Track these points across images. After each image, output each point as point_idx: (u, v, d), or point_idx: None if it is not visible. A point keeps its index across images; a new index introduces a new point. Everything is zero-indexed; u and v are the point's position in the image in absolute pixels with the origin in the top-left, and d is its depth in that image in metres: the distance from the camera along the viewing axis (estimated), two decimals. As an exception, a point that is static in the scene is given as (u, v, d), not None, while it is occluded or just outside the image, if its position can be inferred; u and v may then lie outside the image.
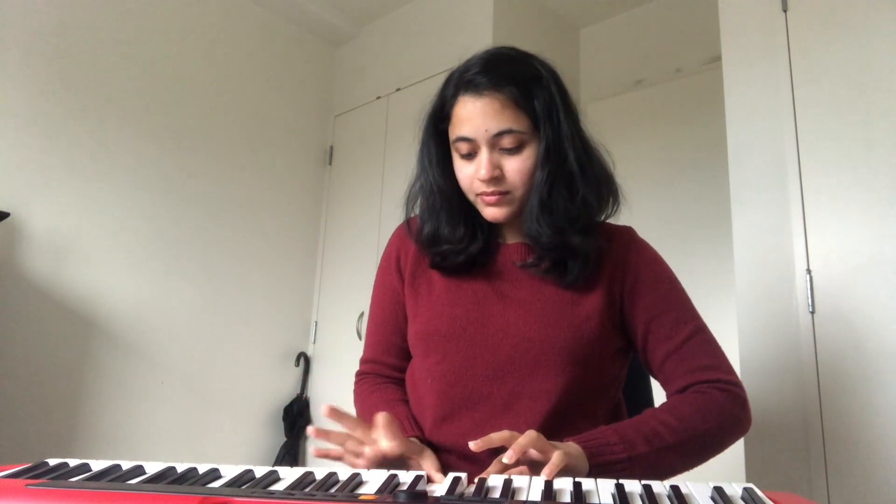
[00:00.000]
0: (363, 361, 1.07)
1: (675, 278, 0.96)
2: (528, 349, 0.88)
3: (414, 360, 1.00)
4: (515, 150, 0.87)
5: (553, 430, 0.86)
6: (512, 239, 0.98)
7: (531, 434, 0.70)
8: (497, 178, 0.88)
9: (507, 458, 0.66)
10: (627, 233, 0.98)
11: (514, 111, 0.86)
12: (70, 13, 2.29)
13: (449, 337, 0.92)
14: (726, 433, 0.86)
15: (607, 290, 0.91)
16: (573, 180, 0.89)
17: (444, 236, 0.95)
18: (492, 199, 0.89)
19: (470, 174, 0.90)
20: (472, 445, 0.69)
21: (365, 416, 0.89)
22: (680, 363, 0.89)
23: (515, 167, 0.88)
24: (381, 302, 1.06)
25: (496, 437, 0.71)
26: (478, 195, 0.91)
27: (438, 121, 0.94)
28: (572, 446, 0.75)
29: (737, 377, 0.90)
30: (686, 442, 0.83)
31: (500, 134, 0.86)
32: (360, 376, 1.07)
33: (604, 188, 0.93)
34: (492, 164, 0.87)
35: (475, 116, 0.86)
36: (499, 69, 0.88)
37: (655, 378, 0.94)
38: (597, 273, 0.91)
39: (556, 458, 0.67)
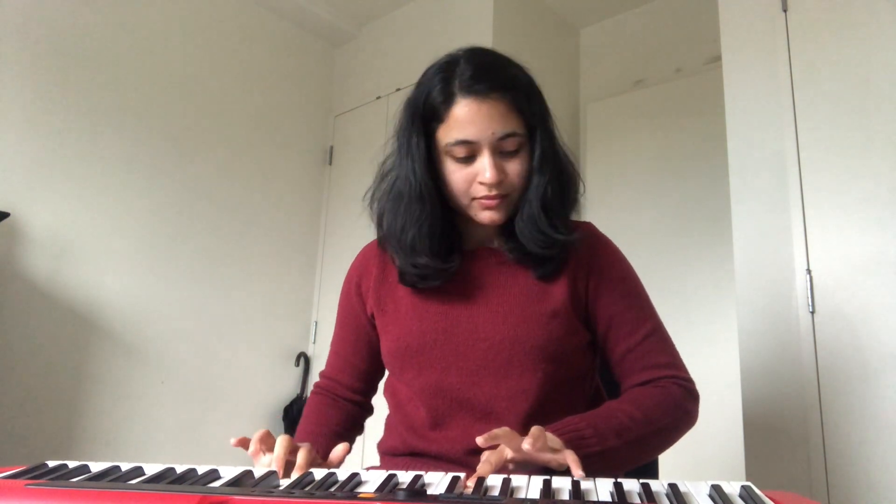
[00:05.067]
0: (322, 375, 1.10)
1: (636, 277, 0.98)
2: (498, 352, 0.89)
3: (391, 375, 1.01)
4: (515, 153, 0.88)
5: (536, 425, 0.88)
6: (476, 244, 0.98)
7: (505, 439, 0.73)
8: (501, 181, 0.88)
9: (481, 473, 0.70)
10: (589, 229, 0.99)
11: (517, 115, 0.88)
12: (70, 13, 2.29)
13: (420, 351, 0.92)
14: (681, 427, 0.89)
15: (572, 287, 0.92)
16: (564, 182, 0.92)
17: (427, 248, 0.91)
18: (493, 202, 0.89)
19: (467, 178, 0.88)
20: (480, 441, 0.72)
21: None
22: (639, 359, 0.92)
23: (516, 170, 0.89)
24: (342, 323, 1.08)
25: (500, 433, 0.73)
26: (474, 199, 0.90)
27: (428, 121, 0.91)
28: (553, 441, 0.76)
29: (689, 375, 0.94)
30: (649, 436, 0.85)
31: (504, 137, 0.87)
32: (316, 388, 1.09)
33: (577, 191, 0.96)
34: (499, 167, 0.87)
35: (480, 120, 0.86)
36: (497, 73, 0.88)
37: (612, 371, 0.96)
38: (560, 270, 0.93)
39: (534, 430, 0.71)
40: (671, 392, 0.89)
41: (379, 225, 0.99)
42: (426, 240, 0.91)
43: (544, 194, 0.89)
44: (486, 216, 0.90)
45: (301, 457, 0.78)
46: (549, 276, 0.92)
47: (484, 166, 0.87)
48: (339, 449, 0.85)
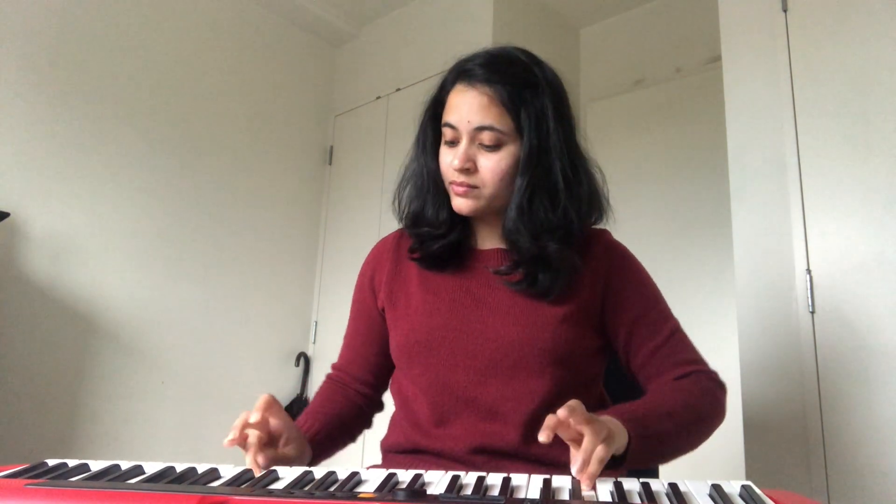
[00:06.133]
0: (334, 367, 1.11)
1: (651, 280, 0.99)
2: (507, 352, 0.89)
3: (398, 370, 1.01)
4: (493, 148, 0.89)
5: (539, 429, 0.87)
6: (487, 244, 0.99)
7: (567, 410, 0.66)
8: (468, 170, 0.89)
9: (542, 437, 0.63)
10: (604, 236, 0.99)
11: (500, 110, 0.88)
12: (69, 13, 2.28)
13: (429, 347, 0.93)
14: (715, 418, 0.88)
15: (587, 294, 0.92)
16: (556, 191, 0.90)
17: (427, 217, 0.97)
18: (460, 189, 0.91)
19: (448, 161, 0.91)
20: (562, 413, 0.65)
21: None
22: (666, 358, 0.92)
23: (488, 165, 0.89)
24: (356, 315, 1.09)
25: (574, 404, 0.67)
26: (450, 183, 0.92)
27: (437, 104, 0.96)
28: (612, 422, 0.72)
29: (713, 369, 0.94)
30: (693, 423, 0.84)
31: (480, 129, 0.88)
32: (327, 379, 1.10)
33: (585, 205, 0.93)
34: (466, 155, 0.89)
35: (462, 106, 0.89)
36: (497, 66, 0.89)
37: (636, 375, 0.95)
38: (574, 277, 0.92)
39: (589, 448, 0.64)
40: (704, 384, 0.89)
41: (397, 207, 1.02)
42: (429, 210, 0.96)
43: (521, 199, 0.89)
44: (455, 203, 0.93)
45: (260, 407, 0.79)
46: (545, 296, 0.90)
47: (457, 152, 0.89)
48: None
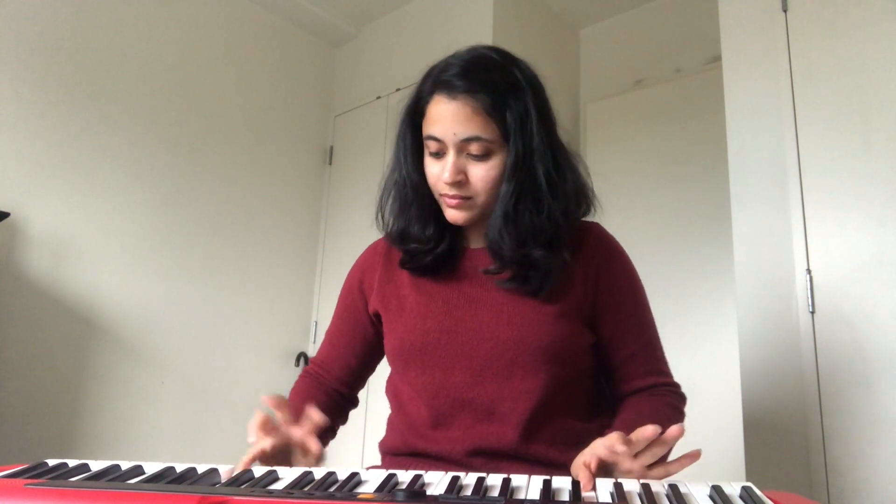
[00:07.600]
0: (313, 362, 1.11)
1: (640, 281, 0.99)
2: (502, 352, 0.89)
3: (394, 373, 1.01)
4: (482, 157, 0.88)
5: (538, 427, 0.88)
6: (478, 243, 0.98)
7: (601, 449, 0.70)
8: (460, 182, 0.88)
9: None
10: (597, 231, 0.99)
11: (485, 119, 0.86)
12: (69, 13, 2.28)
13: (425, 349, 0.92)
14: None
15: (579, 290, 0.92)
16: (540, 195, 0.89)
17: (414, 234, 0.96)
18: (454, 202, 0.90)
19: (436, 174, 0.90)
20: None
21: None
22: (639, 366, 0.94)
23: (480, 174, 0.88)
24: (341, 317, 1.09)
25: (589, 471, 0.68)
26: (441, 195, 0.91)
27: (414, 114, 0.94)
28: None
29: (674, 379, 0.97)
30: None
31: (467, 140, 0.86)
32: (304, 373, 1.10)
33: (572, 203, 0.92)
34: (456, 168, 0.87)
35: (446, 118, 0.87)
36: (476, 74, 0.88)
37: (611, 373, 0.97)
38: (567, 272, 0.92)
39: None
40: (670, 400, 0.93)
41: (381, 216, 1.01)
42: (414, 226, 0.95)
43: (507, 205, 0.88)
44: (449, 214, 0.92)
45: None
46: (536, 295, 0.90)
47: (445, 166, 0.88)
48: (315, 416, 0.83)
